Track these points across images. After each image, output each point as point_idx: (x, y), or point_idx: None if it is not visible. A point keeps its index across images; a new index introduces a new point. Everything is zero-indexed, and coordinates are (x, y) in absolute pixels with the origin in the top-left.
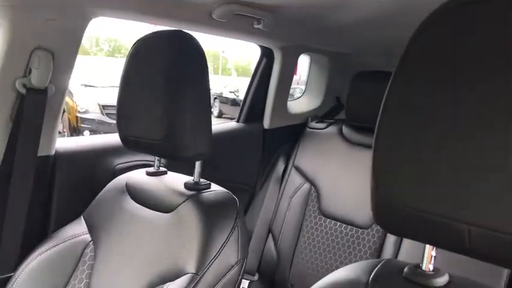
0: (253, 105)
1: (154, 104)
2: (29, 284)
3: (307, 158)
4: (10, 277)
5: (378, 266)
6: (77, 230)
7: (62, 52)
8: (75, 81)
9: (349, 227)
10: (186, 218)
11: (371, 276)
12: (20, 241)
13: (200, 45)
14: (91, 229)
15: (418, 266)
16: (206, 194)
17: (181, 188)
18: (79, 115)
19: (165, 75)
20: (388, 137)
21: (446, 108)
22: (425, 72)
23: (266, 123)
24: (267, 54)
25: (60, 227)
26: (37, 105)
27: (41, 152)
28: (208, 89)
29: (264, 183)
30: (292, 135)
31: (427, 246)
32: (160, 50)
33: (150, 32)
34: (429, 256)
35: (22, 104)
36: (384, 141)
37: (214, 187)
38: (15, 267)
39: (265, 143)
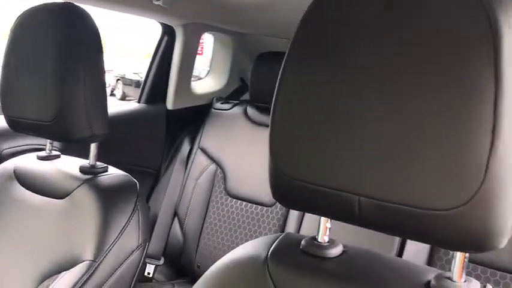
0: (155, 85)
1: (43, 82)
2: None
3: (212, 139)
4: None
5: (277, 240)
6: None
7: None
8: None
9: (254, 205)
10: (82, 203)
11: (270, 250)
12: None
13: (93, 21)
14: None
15: (314, 238)
16: (103, 178)
17: (76, 172)
18: None
19: (54, 52)
20: (282, 115)
21: (331, 87)
22: (312, 53)
23: (169, 104)
24: (168, 32)
25: None
26: None
27: None
28: (102, 68)
29: (168, 165)
30: (196, 116)
31: (322, 218)
32: (49, 24)
33: (38, 4)
34: (324, 228)
35: None
36: (278, 119)
37: (112, 170)
38: None
39: (168, 125)
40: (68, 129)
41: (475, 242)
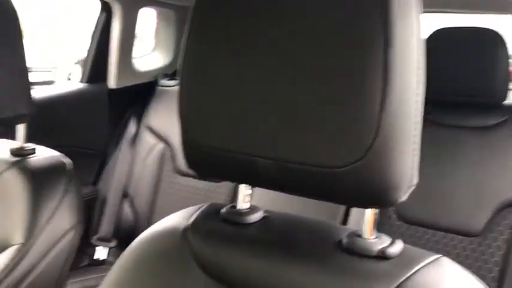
0: (96, 64)
1: None
2: None
3: (159, 117)
4: None
5: (199, 210)
6: None
7: None
8: None
9: (204, 182)
10: (11, 186)
11: (190, 221)
12: None
13: (13, 7)
14: None
15: (234, 206)
16: (32, 159)
17: (5, 155)
18: None
19: None
20: (189, 83)
21: (233, 52)
22: (214, 18)
23: (111, 83)
24: (105, 9)
25: None
26: None
27: None
28: (22, 48)
29: (115, 146)
30: (141, 94)
31: (240, 185)
32: None
33: None
34: (242, 194)
35: None
36: (185, 87)
37: (42, 151)
38: None
39: (111, 104)
40: None
41: (375, 197)
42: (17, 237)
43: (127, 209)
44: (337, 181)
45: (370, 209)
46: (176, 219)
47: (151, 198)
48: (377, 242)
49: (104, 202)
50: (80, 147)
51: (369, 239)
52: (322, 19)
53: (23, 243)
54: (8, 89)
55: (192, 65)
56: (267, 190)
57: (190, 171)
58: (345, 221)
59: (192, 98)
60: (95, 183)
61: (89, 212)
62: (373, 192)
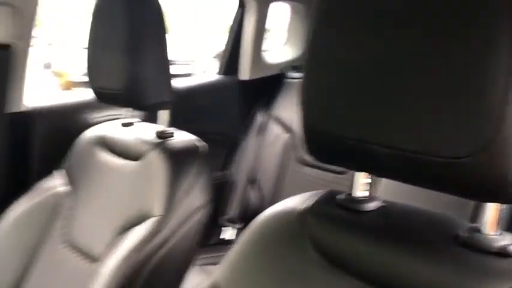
0: (231, 57)
1: (117, 57)
2: (8, 236)
3: (286, 108)
4: None
5: (316, 195)
6: (55, 182)
7: (25, 7)
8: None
9: (328, 173)
10: (153, 164)
11: (307, 204)
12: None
13: (159, 4)
14: (69, 181)
15: (351, 194)
16: (172, 141)
17: (150, 137)
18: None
19: (124, 31)
20: (312, 70)
21: (359, 41)
22: (341, 5)
23: (241, 75)
24: (241, 4)
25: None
26: (1, 61)
27: (10, 109)
28: (166, 43)
29: (244, 135)
30: (270, 86)
31: (357, 173)
32: (121, 8)
33: None
34: (359, 182)
35: None
36: (309, 75)
37: (181, 135)
38: None
39: (242, 95)
40: (137, 97)
41: (497, 191)
42: (156, 210)
43: (253, 194)
44: (456, 172)
45: (492, 204)
46: (294, 202)
47: (276, 185)
48: (498, 238)
49: (232, 186)
50: (213, 134)
51: (489, 234)
52: (447, 4)
53: (161, 216)
54: (153, 79)
55: (313, 53)
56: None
57: (314, 162)
58: (474, 215)
59: (313, 85)
60: (225, 168)
61: (219, 195)
62: (493, 186)
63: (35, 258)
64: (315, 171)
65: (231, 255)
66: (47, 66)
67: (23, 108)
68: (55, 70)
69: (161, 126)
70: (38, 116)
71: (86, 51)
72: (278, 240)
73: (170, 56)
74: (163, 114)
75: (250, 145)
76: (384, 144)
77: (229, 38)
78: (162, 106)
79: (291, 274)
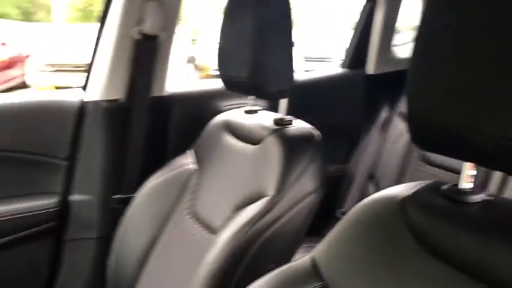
0: (357, 51)
1: (244, 47)
2: (145, 203)
3: None
4: (131, 197)
5: (421, 185)
6: (186, 160)
7: (171, 2)
8: None
9: (448, 172)
10: (270, 148)
11: (409, 192)
12: (140, 167)
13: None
14: (197, 160)
15: (457, 185)
16: (289, 129)
17: (269, 124)
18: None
19: (253, 22)
20: (420, 59)
21: (469, 29)
22: None
23: (369, 69)
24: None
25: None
26: (149, 51)
27: (154, 93)
28: (291, 37)
29: (366, 129)
30: (397, 81)
31: (464, 163)
32: (249, 2)
33: None
34: (465, 173)
35: (137, 48)
36: (416, 63)
37: (298, 123)
38: (135, 189)
39: (367, 89)
40: (260, 84)
41: None
42: (270, 190)
43: (372, 189)
44: None
45: None
46: (397, 190)
47: (396, 182)
48: None
49: (350, 180)
50: (333, 127)
51: None
52: None
53: (273, 196)
54: (276, 69)
55: (422, 41)
56: None
57: (438, 161)
58: None
59: (419, 73)
60: (344, 162)
61: (337, 188)
62: None
63: (164, 225)
64: (437, 170)
65: (331, 234)
66: (191, 60)
67: (164, 93)
68: (198, 64)
69: (280, 114)
70: (176, 101)
71: (218, 41)
72: (376, 226)
73: (306, 53)
74: (283, 103)
75: (372, 140)
76: (490, 133)
77: (355, 31)
78: (283, 95)
79: (386, 260)
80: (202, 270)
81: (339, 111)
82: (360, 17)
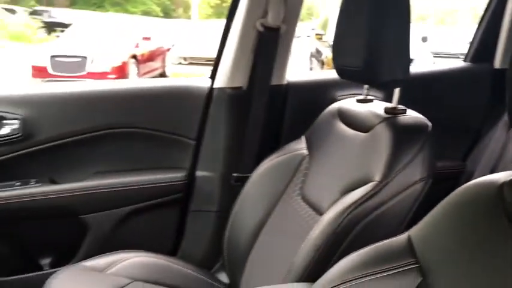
0: (483, 43)
1: (359, 36)
2: (259, 183)
3: None
4: (248, 176)
5: None
6: (299, 145)
7: None
8: None
9: None
10: (379, 136)
11: (508, 179)
12: (257, 150)
13: None
14: (309, 146)
15: None
16: (400, 118)
17: (380, 112)
18: None
19: (369, 10)
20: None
21: None
22: None
23: (497, 63)
24: None
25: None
26: (271, 42)
27: (274, 81)
28: (408, 24)
29: (490, 126)
30: None
31: None
32: None
33: None
34: None
35: (260, 40)
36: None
37: (411, 113)
38: (252, 169)
39: (495, 84)
40: (373, 73)
41: None
42: (377, 176)
43: None
44: None
45: None
46: (497, 176)
47: None
48: None
49: (468, 177)
50: (452, 122)
51: None
52: None
53: (379, 181)
54: (390, 58)
55: None
56: None
57: None
58: None
59: None
60: (465, 158)
61: (453, 183)
62: None
63: (276, 204)
64: None
65: (429, 215)
66: (315, 55)
67: (283, 82)
68: (323, 59)
69: (392, 104)
70: (294, 89)
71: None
72: (472, 209)
73: (437, 48)
74: (397, 93)
75: (495, 137)
76: None
77: (480, 23)
78: (396, 84)
79: (480, 242)
80: (306, 244)
81: (459, 105)
82: (487, 8)
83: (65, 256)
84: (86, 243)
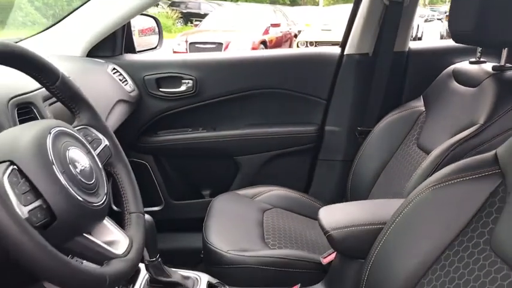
0: None
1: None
2: (380, 135)
3: None
4: (370, 130)
5: None
6: (417, 103)
7: None
8: None
9: None
10: (486, 88)
11: None
12: (379, 107)
13: None
14: (425, 103)
15: None
16: (506, 73)
17: (489, 69)
18: None
19: None
20: None
21: None
22: None
23: None
24: None
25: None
26: (395, 14)
27: (397, 48)
28: None
29: None
30: None
31: None
32: None
33: None
34: None
35: (385, 12)
36: None
37: None
38: (374, 124)
39: None
40: (484, 35)
41: None
42: (480, 119)
43: None
44: None
45: None
46: None
47: None
48: None
49: None
50: None
51: None
52: None
53: (482, 124)
54: (501, 20)
55: None
56: None
57: None
58: None
59: None
60: None
61: None
62: None
63: (394, 152)
64: None
65: None
66: (446, 37)
67: (405, 49)
68: None
69: (501, 63)
70: (414, 55)
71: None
72: None
73: None
74: (505, 52)
75: None
76: None
77: None
78: (505, 44)
79: None
80: (417, 173)
81: None
82: None
83: (221, 188)
84: (238, 179)
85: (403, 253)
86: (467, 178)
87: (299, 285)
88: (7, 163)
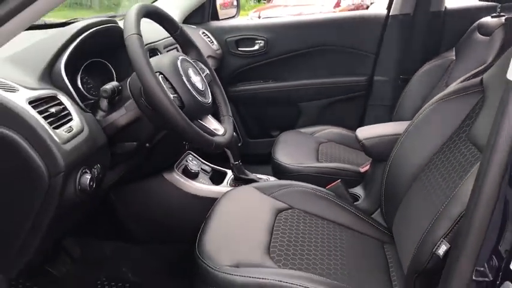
0: None
1: None
2: (420, 80)
3: None
4: (411, 77)
5: None
6: (450, 53)
7: None
8: None
9: None
10: (497, 35)
11: None
12: (419, 58)
13: None
14: (456, 53)
15: None
16: None
17: (502, 20)
18: None
19: None
20: None
21: None
22: None
23: None
24: None
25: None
26: None
27: (433, 8)
28: None
29: None
30: None
31: None
32: None
33: None
34: None
35: None
36: None
37: None
38: (414, 72)
39: None
40: None
41: None
42: (489, 59)
43: None
44: None
45: None
46: None
47: None
48: None
49: None
50: None
51: None
52: None
53: (489, 63)
54: None
55: None
56: None
57: None
58: None
59: None
60: None
61: None
62: None
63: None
64: None
65: (502, 58)
66: None
67: (442, 8)
68: None
69: None
70: (450, 15)
71: None
72: None
73: None
74: None
75: None
76: None
77: None
78: None
79: None
80: None
81: None
82: None
83: (287, 129)
84: (301, 121)
85: (413, 154)
86: (462, 94)
87: (339, 180)
88: (158, 73)
